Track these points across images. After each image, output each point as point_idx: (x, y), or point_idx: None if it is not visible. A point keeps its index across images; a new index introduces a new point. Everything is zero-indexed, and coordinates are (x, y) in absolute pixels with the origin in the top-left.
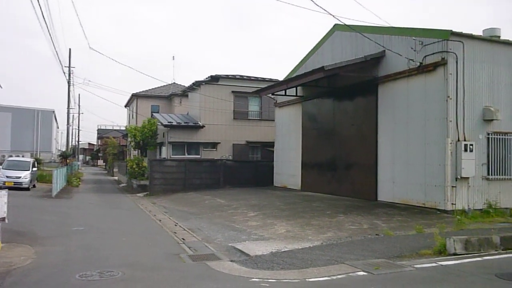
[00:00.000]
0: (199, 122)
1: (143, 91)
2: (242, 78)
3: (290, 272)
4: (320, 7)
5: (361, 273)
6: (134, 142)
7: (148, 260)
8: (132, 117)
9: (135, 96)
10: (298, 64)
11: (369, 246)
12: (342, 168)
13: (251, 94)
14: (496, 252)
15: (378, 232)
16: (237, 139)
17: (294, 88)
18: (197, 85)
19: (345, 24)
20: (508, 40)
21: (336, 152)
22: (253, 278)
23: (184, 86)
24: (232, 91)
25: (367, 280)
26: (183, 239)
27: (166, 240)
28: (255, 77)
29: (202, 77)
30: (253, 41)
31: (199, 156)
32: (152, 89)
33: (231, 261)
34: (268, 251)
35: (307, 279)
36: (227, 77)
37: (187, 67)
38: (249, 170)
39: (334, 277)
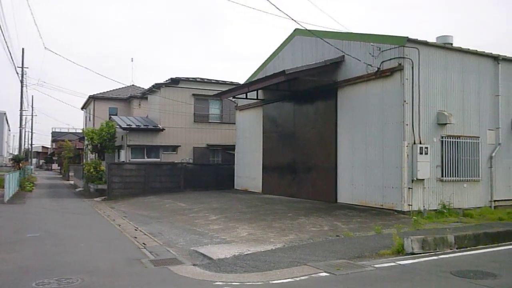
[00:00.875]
0: (159, 125)
1: (100, 93)
2: (202, 81)
3: (253, 275)
4: (282, 11)
5: (324, 274)
6: (91, 145)
7: (108, 266)
8: (89, 120)
9: (92, 98)
10: (259, 68)
11: (330, 247)
12: (302, 171)
13: (212, 97)
14: (451, 250)
15: (338, 233)
16: (198, 142)
17: (255, 92)
18: (157, 87)
19: (305, 29)
20: (460, 47)
21: (297, 155)
22: (217, 281)
23: (143, 88)
24: (193, 94)
25: (329, 280)
26: (144, 243)
27: (126, 245)
28: (215, 80)
29: (162, 79)
30: (214, 44)
31: (159, 160)
32: (110, 91)
33: (194, 265)
34: (231, 254)
35: (270, 281)
36: (187, 80)
37: (147, 69)
38: (210, 173)
39: (297, 279)
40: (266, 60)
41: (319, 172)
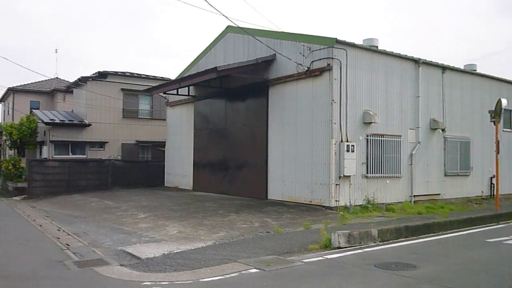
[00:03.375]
0: (85, 120)
1: (21, 85)
2: (132, 75)
3: (183, 274)
4: (214, 7)
5: (254, 270)
6: (10, 141)
7: (28, 269)
8: (8, 114)
9: (11, 91)
10: (190, 64)
11: (261, 243)
12: (234, 168)
13: (141, 92)
14: (375, 244)
15: (268, 229)
16: (127, 138)
17: (187, 88)
18: (83, 81)
19: (238, 26)
20: (384, 50)
21: (228, 152)
22: (145, 281)
23: (68, 81)
24: (122, 89)
25: (259, 276)
26: (67, 244)
27: (48, 247)
28: (146, 75)
29: (88, 72)
30: (145, 39)
31: (85, 156)
32: (32, 83)
33: (121, 265)
34: (160, 253)
35: (200, 279)
36: (116, 74)
37: (73, 62)
38: (139, 170)
39: (228, 276)
40: (198, 56)
41: (250, 169)
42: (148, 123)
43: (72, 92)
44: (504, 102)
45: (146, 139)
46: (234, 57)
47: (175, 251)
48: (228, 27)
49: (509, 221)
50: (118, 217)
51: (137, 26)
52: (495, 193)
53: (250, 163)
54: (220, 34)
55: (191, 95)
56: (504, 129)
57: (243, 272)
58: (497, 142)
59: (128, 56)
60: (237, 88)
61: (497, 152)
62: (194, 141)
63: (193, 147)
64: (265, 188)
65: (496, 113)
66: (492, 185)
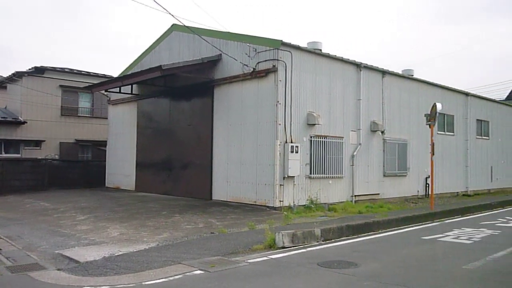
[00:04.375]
0: (19, 118)
1: None
2: (72, 71)
3: (125, 277)
4: (159, 4)
5: (198, 271)
6: None
7: None
8: None
9: None
10: (134, 61)
11: (205, 244)
12: (178, 168)
13: (82, 89)
14: (318, 243)
15: (213, 230)
16: (65, 137)
17: (130, 86)
18: (18, 76)
19: (183, 25)
20: (328, 53)
21: (172, 152)
22: (84, 286)
23: (1, 76)
24: (60, 85)
25: (203, 278)
26: None
27: None
28: (86, 72)
29: (24, 67)
30: (85, 34)
31: (19, 155)
32: None
33: (58, 269)
34: (101, 256)
35: (143, 282)
36: (54, 70)
37: (6, 55)
38: (79, 170)
39: (171, 278)
40: (142, 54)
41: (195, 169)
42: (88, 122)
43: (5, 87)
44: (439, 106)
45: (86, 138)
46: (179, 56)
47: (116, 254)
48: (173, 25)
49: (442, 219)
50: (55, 219)
51: (80, 21)
52: (430, 193)
53: (194, 163)
54: (165, 32)
55: (134, 94)
56: (439, 132)
57: (187, 274)
58: (432, 144)
59: (69, 52)
60: (182, 87)
61: (432, 153)
62: (137, 141)
63: (136, 146)
64: (209, 188)
65: (432, 117)
66: (427, 185)
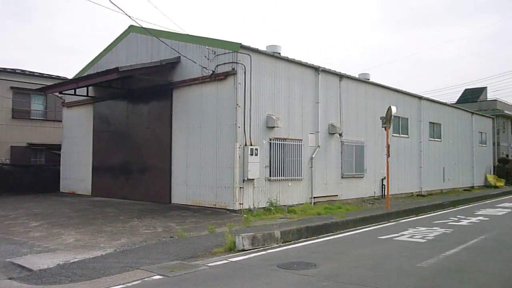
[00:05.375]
0: None
1: None
2: (23, 73)
3: (80, 284)
4: (116, 6)
5: (157, 277)
6: None
7: None
8: None
9: None
10: (90, 63)
11: (164, 249)
12: (136, 172)
13: (34, 91)
14: (278, 245)
15: (172, 234)
16: (17, 140)
17: (85, 88)
18: None
19: (141, 26)
20: (287, 57)
21: (130, 155)
22: None
23: None
24: (11, 87)
25: (162, 283)
26: None
27: None
28: (39, 73)
29: None
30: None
31: None
32: None
33: (10, 278)
34: (55, 264)
35: None
36: (4, 71)
37: None
38: (32, 175)
39: (129, 284)
40: (99, 55)
41: (154, 173)
42: (41, 125)
43: None
44: (393, 109)
45: (39, 141)
46: (137, 58)
47: (71, 261)
48: (131, 26)
49: (398, 219)
50: (6, 226)
51: (34, 21)
52: (386, 194)
53: (153, 166)
54: (123, 33)
55: (90, 96)
56: (394, 134)
57: (146, 279)
58: (388, 146)
59: (22, 53)
60: (140, 89)
61: (388, 155)
62: (94, 144)
63: (92, 150)
64: (168, 192)
65: (387, 119)
66: (383, 186)
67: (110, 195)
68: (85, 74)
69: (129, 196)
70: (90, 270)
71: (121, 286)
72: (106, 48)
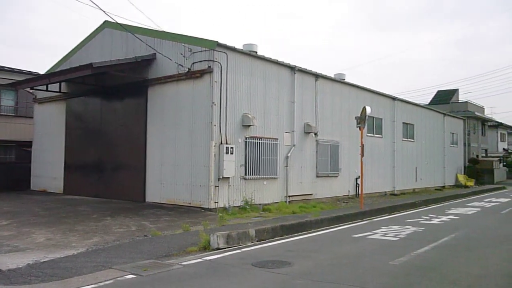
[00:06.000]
0: None
1: None
2: None
3: (51, 284)
4: (91, 1)
5: (130, 276)
6: None
7: None
8: None
9: None
10: (63, 58)
11: (138, 248)
12: (110, 170)
13: (4, 86)
14: (252, 243)
15: (146, 233)
16: None
17: (58, 84)
18: None
19: (116, 22)
20: (263, 56)
21: (104, 153)
22: None
23: None
24: None
25: (136, 282)
26: None
27: None
28: (9, 68)
29: None
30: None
31: None
32: None
33: None
34: (25, 263)
35: None
36: None
37: None
38: (1, 173)
39: (102, 284)
40: (72, 51)
41: (128, 171)
42: (12, 121)
43: None
44: (368, 109)
45: (9, 138)
46: (111, 54)
47: (42, 260)
48: (106, 22)
49: (371, 218)
50: None
51: (7, 16)
52: (360, 193)
53: (127, 164)
54: (97, 29)
55: (63, 92)
56: (368, 134)
57: (118, 278)
58: (362, 146)
59: None
60: (115, 86)
61: (362, 155)
62: (66, 141)
63: (64, 147)
64: (143, 190)
65: (362, 119)
66: (357, 185)
67: (82, 193)
68: (58, 69)
69: (103, 195)
70: (61, 270)
71: (93, 285)
72: (80, 43)
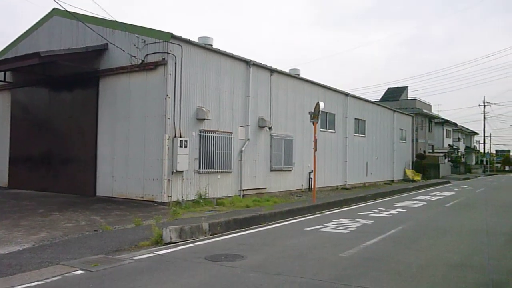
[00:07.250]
0: None
1: None
2: None
3: None
4: None
5: (78, 272)
6: None
7: None
8: None
9: None
10: (9, 46)
11: (87, 243)
12: (58, 163)
13: None
14: (206, 237)
15: (96, 228)
16: None
17: (3, 73)
18: None
19: (65, 10)
20: (218, 49)
21: (52, 145)
22: None
23: None
24: None
25: (84, 278)
26: None
27: None
28: None
29: None
30: None
31: None
32: None
33: None
34: None
35: (15, 287)
36: None
37: None
38: None
39: (48, 280)
40: (18, 39)
41: (77, 164)
42: None
43: None
44: (321, 105)
45: None
46: (60, 43)
47: None
48: (54, 9)
49: (323, 211)
50: None
51: None
52: (312, 187)
53: (77, 157)
54: (45, 16)
55: (7, 81)
56: (321, 129)
57: (66, 275)
58: (315, 141)
59: None
60: (64, 77)
61: (315, 149)
62: (11, 133)
63: (9, 139)
64: (93, 184)
65: (315, 115)
66: (310, 179)
67: (29, 187)
68: (3, 58)
69: (51, 188)
70: (5, 267)
71: (39, 282)
72: (27, 31)
